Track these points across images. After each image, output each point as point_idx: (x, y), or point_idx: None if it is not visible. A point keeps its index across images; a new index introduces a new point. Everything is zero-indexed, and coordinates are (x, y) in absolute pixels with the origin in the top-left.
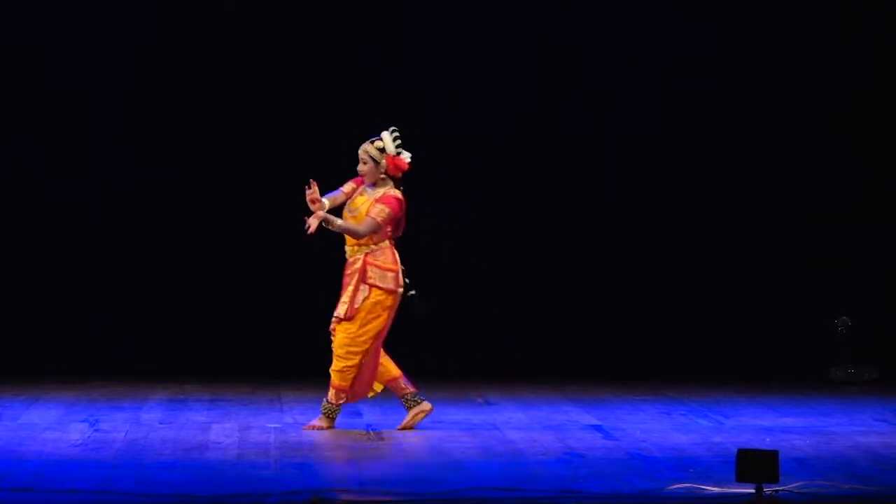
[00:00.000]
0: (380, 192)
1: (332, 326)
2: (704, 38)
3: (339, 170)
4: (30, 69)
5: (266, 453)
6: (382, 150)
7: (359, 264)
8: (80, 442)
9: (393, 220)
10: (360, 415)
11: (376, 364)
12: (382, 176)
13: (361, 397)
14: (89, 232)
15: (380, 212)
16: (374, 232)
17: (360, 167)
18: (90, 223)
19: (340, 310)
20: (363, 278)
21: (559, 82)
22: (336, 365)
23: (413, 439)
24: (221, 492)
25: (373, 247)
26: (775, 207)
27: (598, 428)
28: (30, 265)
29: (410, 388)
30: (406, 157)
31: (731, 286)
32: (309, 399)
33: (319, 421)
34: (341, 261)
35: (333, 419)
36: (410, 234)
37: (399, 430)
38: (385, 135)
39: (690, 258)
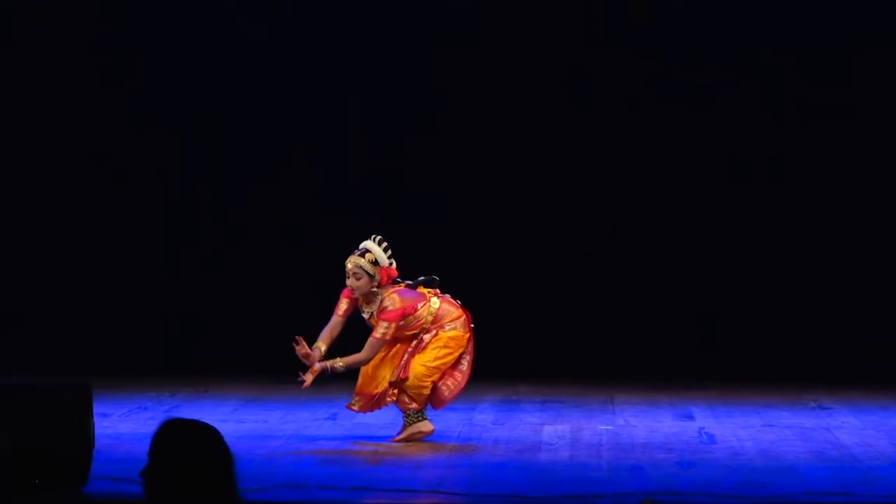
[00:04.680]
0: (378, 300)
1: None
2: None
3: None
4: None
5: (598, 455)
6: (375, 263)
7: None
8: (411, 442)
9: (398, 327)
10: (692, 418)
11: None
12: (374, 289)
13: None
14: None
15: (385, 329)
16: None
17: (352, 282)
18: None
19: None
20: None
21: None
22: (413, 391)
23: (745, 443)
24: (553, 493)
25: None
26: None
27: None
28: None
29: (415, 405)
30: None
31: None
32: (641, 401)
33: (408, 431)
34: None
35: (423, 419)
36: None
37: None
38: (372, 245)
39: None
